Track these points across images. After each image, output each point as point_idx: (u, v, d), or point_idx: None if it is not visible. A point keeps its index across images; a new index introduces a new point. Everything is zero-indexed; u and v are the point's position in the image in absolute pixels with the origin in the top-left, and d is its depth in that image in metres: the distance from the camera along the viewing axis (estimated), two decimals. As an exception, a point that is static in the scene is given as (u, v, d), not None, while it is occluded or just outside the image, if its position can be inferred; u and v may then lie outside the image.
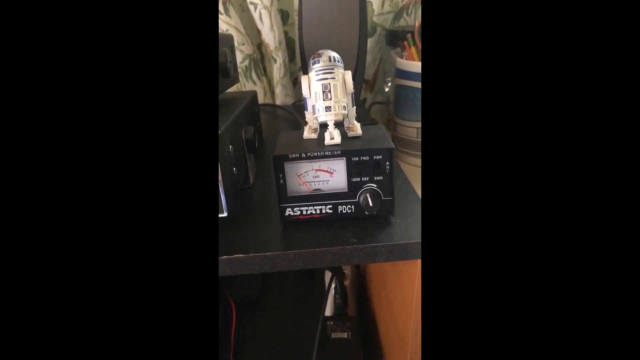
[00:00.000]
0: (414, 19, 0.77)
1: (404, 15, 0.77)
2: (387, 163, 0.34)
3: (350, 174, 0.34)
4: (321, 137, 0.35)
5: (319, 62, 0.33)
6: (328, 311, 0.66)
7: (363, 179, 0.35)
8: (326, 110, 0.33)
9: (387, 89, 0.72)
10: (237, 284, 0.79)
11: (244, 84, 0.78)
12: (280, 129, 0.67)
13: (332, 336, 0.58)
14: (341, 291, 0.65)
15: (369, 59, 0.77)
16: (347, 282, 0.69)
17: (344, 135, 0.36)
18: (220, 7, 0.70)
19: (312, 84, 0.34)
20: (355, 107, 0.36)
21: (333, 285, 0.64)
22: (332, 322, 0.60)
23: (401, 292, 0.43)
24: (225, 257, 0.32)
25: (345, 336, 0.58)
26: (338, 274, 0.65)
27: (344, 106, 0.34)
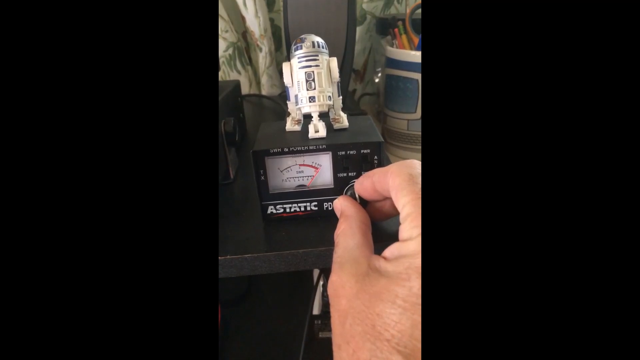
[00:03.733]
0: (405, 6, 0.75)
1: (395, 2, 0.75)
2: (376, 157, 0.32)
3: (336, 169, 0.32)
4: (305, 130, 0.33)
5: (301, 48, 0.31)
6: (315, 309, 0.64)
7: (350, 174, 0.32)
8: (310, 101, 0.31)
9: (377, 80, 0.70)
10: (222, 280, 0.77)
11: (228, 74, 0.75)
12: (266, 120, 0.64)
13: (320, 335, 0.56)
14: (329, 288, 0.63)
15: (358, 48, 0.75)
16: (335, 279, 0.67)
17: (329, 127, 0.33)
18: (202, -8, 0.67)
19: (294, 72, 0.31)
20: (341, 97, 0.33)
21: (321, 283, 0.62)
22: (319, 321, 0.59)
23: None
24: (200, 259, 0.30)
25: (334, 335, 0.56)
26: (326, 271, 0.63)
27: (329, 96, 0.31)
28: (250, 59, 0.76)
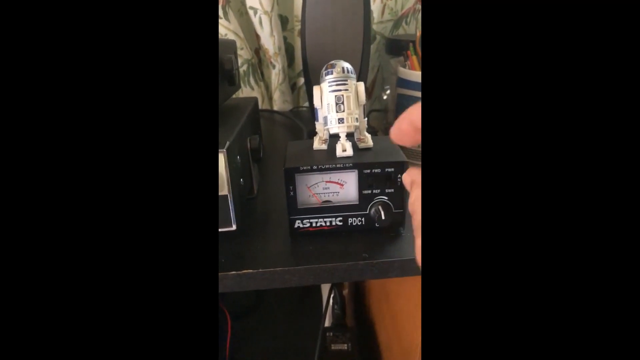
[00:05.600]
0: (414, 27, 0.77)
1: (403, 24, 0.78)
2: (399, 176, 0.34)
3: (361, 186, 0.34)
4: (332, 148, 0.35)
5: (332, 73, 0.33)
6: (326, 321, 0.65)
7: (374, 191, 0.34)
8: (339, 122, 0.33)
9: (385, 97, 0.72)
10: (230, 293, 0.78)
11: (242, 89, 0.77)
12: (279, 135, 0.66)
13: (332, 348, 0.57)
14: (340, 301, 0.64)
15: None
16: (345, 292, 0.68)
17: (355, 146, 0.35)
18: (220, 12, 0.69)
19: (324, 95, 0.33)
20: (366, 119, 0.35)
21: (332, 295, 0.63)
22: (331, 333, 0.59)
23: (407, 305, 0.43)
24: (233, 272, 0.31)
25: (345, 348, 0.57)
26: (338, 284, 0.64)
27: (357, 118, 0.33)
28: (262, 74, 0.78)
